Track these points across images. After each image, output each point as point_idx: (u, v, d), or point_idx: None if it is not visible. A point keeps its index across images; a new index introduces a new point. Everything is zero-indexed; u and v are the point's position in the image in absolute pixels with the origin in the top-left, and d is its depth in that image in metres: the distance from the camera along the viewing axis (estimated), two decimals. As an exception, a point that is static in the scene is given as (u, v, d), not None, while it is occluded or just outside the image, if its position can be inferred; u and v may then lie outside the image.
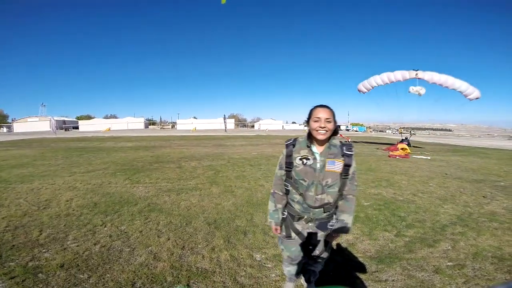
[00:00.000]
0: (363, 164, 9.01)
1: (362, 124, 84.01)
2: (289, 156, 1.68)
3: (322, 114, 1.57)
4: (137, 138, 24.46)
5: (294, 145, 1.69)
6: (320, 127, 1.56)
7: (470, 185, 6.08)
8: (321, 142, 1.63)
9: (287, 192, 1.75)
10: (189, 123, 63.77)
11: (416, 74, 14.04)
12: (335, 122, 1.62)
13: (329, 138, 1.64)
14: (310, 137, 1.65)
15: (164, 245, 2.92)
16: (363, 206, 4.34)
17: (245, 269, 2.48)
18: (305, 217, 1.69)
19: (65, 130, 54.84)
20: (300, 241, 1.79)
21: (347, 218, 1.68)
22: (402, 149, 12.58)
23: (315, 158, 1.61)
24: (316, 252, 1.84)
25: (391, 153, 12.32)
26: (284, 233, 1.80)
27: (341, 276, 2.40)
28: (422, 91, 14.48)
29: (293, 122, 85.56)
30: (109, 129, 37.10)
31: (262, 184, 5.69)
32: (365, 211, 4.07)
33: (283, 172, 1.72)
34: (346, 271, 2.48)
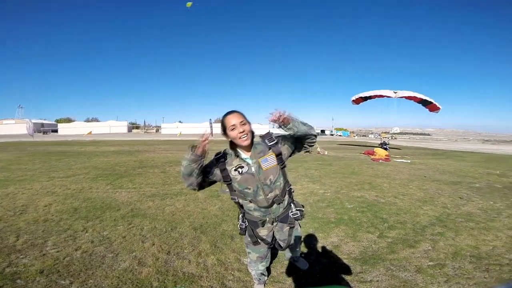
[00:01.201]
0: (346, 167, 9.23)
1: (345, 129, 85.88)
2: (224, 169, 1.64)
3: (235, 120, 1.56)
4: (119, 142, 23.82)
5: (225, 158, 1.66)
6: (240, 132, 1.55)
7: (448, 187, 6.34)
8: (246, 147, 1.63)
9: (240, 205, 1.76)
10: (174, 127, 62.78)
11: (396, 92, 15.99)
12: (249, 122, 1.61)
13: (252, 140, 1.63)
14: (234, 146, 1.65)
15: (148, 250, 2.86)
16: (346, 208, 4.43)
17: (232, 273, 2.47)
18: (267, 219, 1.73)
19: (44, 133, 52.51)
20: (266, 244, 1.84)
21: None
22: (376, 152, 13.08)
23: (248, 164, 1.62)
24: (283, 244, 1.87)
25: (373, 156, 12.71)
26: (249, 239, 1.81)
27: (327, 278, 2.44)
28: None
29: (279, 127, 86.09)
30: (91, 133, 35.86)
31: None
32: (349, 214, 4.15)
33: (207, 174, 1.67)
34: (332, 272, 2.52)
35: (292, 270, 2.52)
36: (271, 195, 1.65)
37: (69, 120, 75.09)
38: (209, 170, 1.65)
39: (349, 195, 5.36)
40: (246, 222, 1.77)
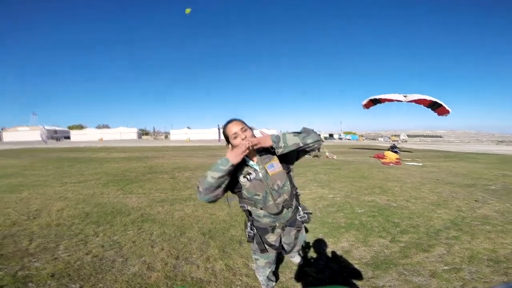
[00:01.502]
0: (356, 172, 9.08)
1: (354, 133, 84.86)
2: (233, 177, 1.62)
3: (235, 128, 1.59)
4: (130, 148, 24.20)
5: (233, 165, 1.57)
6: (242, 139, 1.56)
7: (462, 189, 6.17)
8: (252, 153, 1.63)
9: (249, 213, 1.76)
10: (183, 133, 63.44)
11: (405, 96, 15.82)
12: (250, 128, 1.64)
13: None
14: None
15: (158, 255, 2.86)
16: (357, 213, 4.35)
17: (240, 278, 2.45)
18: (277, 224, 1.73)
19: (57, 140, 53.87)
20: (274, 249, 1.84)
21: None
22: (386, 156, 12.85)
23: (255, 170, 1.62)
24: (287, 248, 1.92)
25: (383, 160, 12.49)
26: (257, 247, 1.78)
27: (338, 283, 2.39)
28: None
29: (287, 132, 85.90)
30: (102, 139, 36.60)
31: (257, 193, 5.66)
32: (359, 218, 4.07)
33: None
34: (342, 278, 2.47)
35: (301, 275, 2.49)
36: (279, 200, 1.65)
37: (81, 127, 76.83)
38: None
39: (359, 199, 5.26)
40: (255, 230, 1.75)
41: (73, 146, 29.51)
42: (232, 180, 1.61)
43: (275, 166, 1.63)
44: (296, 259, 2.48)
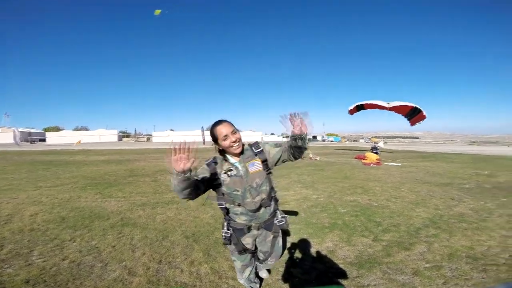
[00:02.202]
0: (338, 172, 9.26)
1: (337, 135, 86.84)
2: (215, 173, 1.68)
3: (226, 129, 1.62)
4: (109, 151, 23.39)
5: (216, 163, 1.71)
6: (232, 142, 1.62)
7: (439, 188, 6.43)
8: (237, 154, 1.70)
9: (226, 211, 1.77)
10: (166, 136, 62.25)
11: (388, 103, 17.01)
12: (238, 130, 1.69)
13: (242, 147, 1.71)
14: (223, 153, 1.73)
15: (139, 260, 2.76)
16: (340, 213, 4.41)
17: (227, 281, 2.40)
18: (253, 224, 1.76)
19: (31, 142, 51.23)
20: (250, 253, 1.88)
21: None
22: (367, 157, 13.25)
23: (236, 168, 1.68)
24: (262, 256, 1.93)
25: (365, 161, 12.82)
26: (234, 247, 1.82)
27: (324, 283, 2.40)
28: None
29: (272, 134, 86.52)
30: (80, 142, 35.18)
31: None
32: (343, 218, 4.13)
33: (199, 179, 1.60)
34: (328, 278, 2.48)
35: (287, 276, 2.48)
36: (258, 198, 1.70)
37: (57, 129, 73.55)
38: (203, 178, 1.63)
39: (342, 199, 5.35)
40: (231, 230, 1.78)
41: (48, 149, 28.12)
42: (212, 178, 1.66)
43: (255, 165, 1.70)
44: (263, 273, 2.36)
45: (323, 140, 70.64)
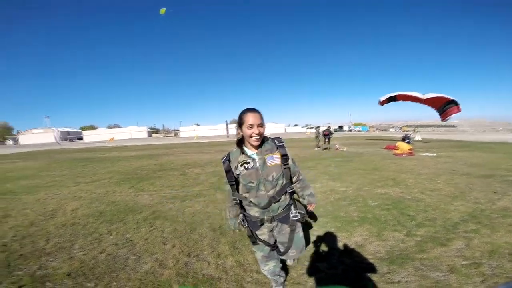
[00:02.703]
0: (368, 164, 8.91)
1: (364, 124, 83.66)
2: (228, 171, 1.73)
3: (254, 120, 1.61)
4: (140, 147, 24.59)
5: (230, 159, 1.74)
6: (255, 133, 1.61)
7: (479, 180, 5.95)
8: (255, 146, 1.70)
9: (240, 206, 1.83)
10: (192, 130, 63.97)
11: (424, 95, 16.04)
12: (264, 123, 1.69)
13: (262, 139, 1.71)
14: (242, 142, 1.73)
15: (169, 253, 2.88)
16: (370, 206, 4.25)
17: (251, 274, 2.43)
18: (265, 217, 1.76)
19: (70, 141, 55.26)
20: (267, 245, 1.87)
21: (311, 190, 1.92)
22: (398, 147, 12.57)
23: (253, 159, 1.68)
24: (282, 248, 1.88)
25: (396, 151, 12.22)
26: (251, 240, 1.87)
27: (351, 278, 2.33)
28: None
29: (295, 125, 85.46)
30: (113, 139, 37.29)
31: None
32: (373, 212, 3.98)
33: (229, 186, 1.79)
34: (355, 273, 2.41)
35: (313, 271, 2.45)
36: (272, 192, 1.71)
37: (92, 128, 78.58)
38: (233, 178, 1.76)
39: (372, 192, 5.15)
40: (246, 223, 1.82)
41: (85, 146, 30.21)
42: (228, 174, 1.75)
43: (274, 158, 1.70)
44: (289, 260, 2.33)
45: (350, 130, 68.43)
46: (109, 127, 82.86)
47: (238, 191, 1.78)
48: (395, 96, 17.30)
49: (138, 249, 3.00)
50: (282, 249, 1.86)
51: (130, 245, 3.12)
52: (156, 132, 75.41)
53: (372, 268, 2.45)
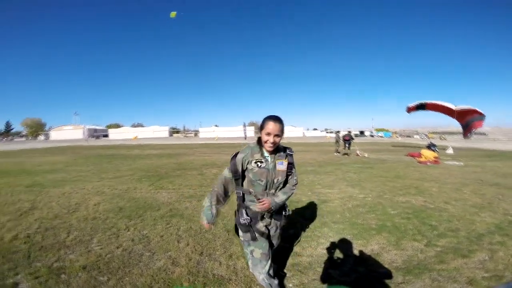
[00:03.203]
0: (389, 171, 8.61)
1: (387, 130, 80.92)
2: (244, 162, 1.84)
3: (273, 129, 1.73)
4: (161, 146, 25.30)
5: (247, 153, 1.85)
6: (270, 142, 1.75)
7: (510, 192, 5.56)
8: (269, 150, 1.84)
9: (242, 199, 1.93)
10: (211, 131, 64.98)
11: (456, 106, 15.10)
12: (282, 134, 1.79)
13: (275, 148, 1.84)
14: (260, 143, 1.84)
15: (183, 251, 2.93)
16: (390, 214, 4.10)
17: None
18: (265, 213, 1.91)
19: (96, 138, 57.99)
20: (265, 238, 1.94)
21: (281, 196, 1.88)
22: (423, 154, 11.98)
23: (267, 161, 1.83)
24: (274, 242, 2.08)
25: (420, 159, 11.71)
26: (249, 236, 1.89)
27: (364, 287, 2.26)
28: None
29: (315, 129, 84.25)
30: (136, 137, 38.68)
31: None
32: (392, 220, 3.83)
33: (231, 175, 1.87)
34: (368, 281, 2.33)
35: (325, 277, 2.39)
36: (272, 192, 1.88)
37: (117, 126, 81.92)
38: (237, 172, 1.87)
39: (393, 200, 4.96)
40: (249, 218, 1.87)
41: (110, 143, 31.53)
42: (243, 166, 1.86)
43: (283, 165, 1.87)
44: None
45: (372, 136, 66.46)
46: (133, 125, 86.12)
47: (242, 185, 1.91)
48: (424, 104, 16.38)
49: (153, 245, 3.08)
50: (275, 243, 2.08)
51: (146, 241, 3.20)
52: (177, 132, 77.36)
53: (386, 278, 2.36)
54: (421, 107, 16.76)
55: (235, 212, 2.01)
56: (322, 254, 2.84)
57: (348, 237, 3.25)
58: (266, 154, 1.85)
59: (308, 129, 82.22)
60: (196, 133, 73.96)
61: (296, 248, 2.98)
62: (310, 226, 3.66)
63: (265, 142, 1.77)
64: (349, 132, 16.09)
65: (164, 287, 2.29)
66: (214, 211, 1.90)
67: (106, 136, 66.18)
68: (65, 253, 2.91)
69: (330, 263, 2.66)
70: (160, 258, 2.78)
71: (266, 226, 1.96)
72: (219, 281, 2.36)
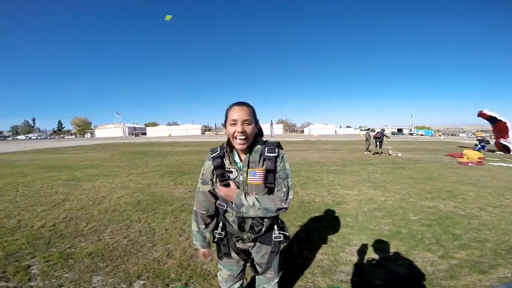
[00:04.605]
0: (422, 172, 7.95)
1: (429, 128, 75.11)
2: (219, 168, 1.36)
3: (238, 114, 1.28)
4: (193, 143, 26.22)
5: (223, 156, 1.38)
6: (238, 132, 1.27)
7: None
8: (244, 150, 1.35)
9: (224, 212, 1.44)
10: (241, 129, 65.67)
11: None
12: (256, 123, 1.36)
13: (253, 143, 1.36)
14: (230, 143, 1.37)
15: (181, 244, 3.01)
16: (409, 220, 3.77)
17: (246, 278, 2.35)
18: (244, 237, 1.43)
19: (135, 135, 62.08)
20: (241, 260, 1.53)
21: (255, 202, 1.29)
22: (465, 155, 10.89)
23: (238, 169, 1.35)
24: (260, 269, 1.53)
25: (461, 159, 10.65)
26: (222, 253, 1.52)
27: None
28: None
29: (348, 126, 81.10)
30: (170, 135, 40.64)
31: (296, 192, 5.41)
32: (410, 227, 3.52)
33: (208, 187, 1.43)
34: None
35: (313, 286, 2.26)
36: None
37: (154, 124, 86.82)
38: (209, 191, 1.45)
39: (417, 204, 4.57)
40: (224, 233, 1.47)
41: (147, 141, 33.48)
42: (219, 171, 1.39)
43: (257, 175, 1.33)
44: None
45: (411, 134, 62.16)
46: (169, 124, 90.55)
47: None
48: (499, 120, 15.30)
49: (156, 237, 3.21)
50: (259, 270, 1.52)
51: (151, 233, 3.34)
52: (209, 130, 79.67)
53: None
54: (492, 120, 15.66)
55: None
56: (319, 259, 2.69)
57: (352, 244, 3.04)
58: (237, 159, 1.37)
59: (341, 127, 79.31)
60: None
61: (294, 251, 2.87)
62: (313, 228, 3.51)
63: (234, 137, 1.29)
64: (382, 129, 15.15)
65: (151, 276, 2.38)
66: (206, 235, 1.52)
67: (144, 134, 70.56)
68: (79, 241, 3.16)
69: (322, 269, 2.51)
70: (158, 249, 2.89)
71: (248, 249, 1.51)
72: (204, 276, 2.37)
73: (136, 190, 5.78)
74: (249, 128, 1.29)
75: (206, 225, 1.52)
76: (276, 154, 1.34)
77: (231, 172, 1.35)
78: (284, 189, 1.34)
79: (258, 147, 1.37)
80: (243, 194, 1.31)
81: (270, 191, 1.36)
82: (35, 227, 3.61)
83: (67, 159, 12.92)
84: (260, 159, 1.34)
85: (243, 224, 1.40)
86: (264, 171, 1.33)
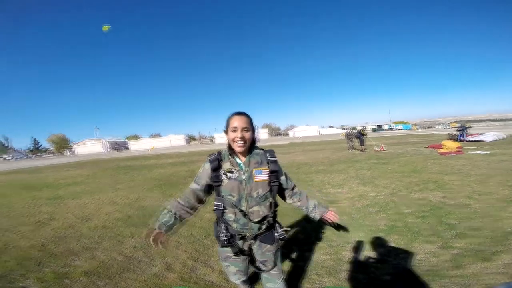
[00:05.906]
0: (406, 165, 8.18)
1: (406, 122, 78.03)
2: (215, 170, 1.54)
3: (238, 123, 1.50)
4: (177, 154, 25.70)
5: (219, 159, 1.56)
6: (238, 137, 1.48)
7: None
8: (243, 153, 1.55)
9: (221, 214, 1.58)
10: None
11: None
12: (253, 130, 1.56)
13: (250, 147, 1.57)
14: (231, 147, 1.56)
15: (179, 257, 2.91)
16: (402, 214, 3.83)
17: (251, 286, 2.29)
18: (247, 234, 1.57)
19: (117, 150, 60.19)
20: (246, 257, 1.68)
21: (314, 200, 1.78)
22: (444, 145, 11.42)
23: (239, 170, 1.53)
24: (264, 267, 1.66)
25: (441, 150, 11.10)
26: (230, 250, 1.61)
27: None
28: None
29: (330, 126, 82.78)
30: (154, 147, 39.77)
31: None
32: (405, 220, 3.57)
33: (199, 187, 1.61)
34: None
35: (320, 287, 2.23)
36: (254, 209, 1.53)
37: (136, 137, 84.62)
38: (204, 185, 1.61)
39: (408, 197, 4.67)
40: (229, 234, 1.58)
41: (129, 155, 32.53)
42: (215, 177, 1.55)
43: (263, 173, 1.54)
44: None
45: (391, 129, 64.33)
46: (151, 136, 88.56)
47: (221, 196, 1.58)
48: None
49: (153, 252, 3.08)
50: (262, 267, 1.67)
51: (146, 248, 3.20)
52: (194, 139, 78.74)
53: (389, 286, 2.15)
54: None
55: (214, 223, 1.69)
56: (321, 259, 2.67)
57: (352, 241, 3.04)
58: (238, 160, 1.56)
59: (323, 127, 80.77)
60: (211, 139, 74.84)
61: (295, 253, 2.84)
62: (311, 229, 3.48)
63: (234, 141, 1.50)
64: (361, 128, 15.71)
65: (154, 292, 2.27)
66: (171, 220, 1.62)
67: (126, 148, 68.56)
68: (72, 260, 3.02)
69: (327, 269, 2.48)
70: (157, 264, 2.79)
71: (249, 247, 1.66)
72: (209, 287, 2.28)
73: (124, 205, 5.55)
74: (247, 134, 1.51)
75: (177, 215, 1.63)
76: (276, 158, 1.61)
77: (232, 172, 1.52)
78: (290, 180, 1.75)
79: (257, 151, 1.60)
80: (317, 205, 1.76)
81: (273, 191, 1.58)
82: (23, 248, 3.44)
83: (47, 177, 12.30)
84: (263, 161, 1.56)
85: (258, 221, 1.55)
86: (269, 170, 1.55)
